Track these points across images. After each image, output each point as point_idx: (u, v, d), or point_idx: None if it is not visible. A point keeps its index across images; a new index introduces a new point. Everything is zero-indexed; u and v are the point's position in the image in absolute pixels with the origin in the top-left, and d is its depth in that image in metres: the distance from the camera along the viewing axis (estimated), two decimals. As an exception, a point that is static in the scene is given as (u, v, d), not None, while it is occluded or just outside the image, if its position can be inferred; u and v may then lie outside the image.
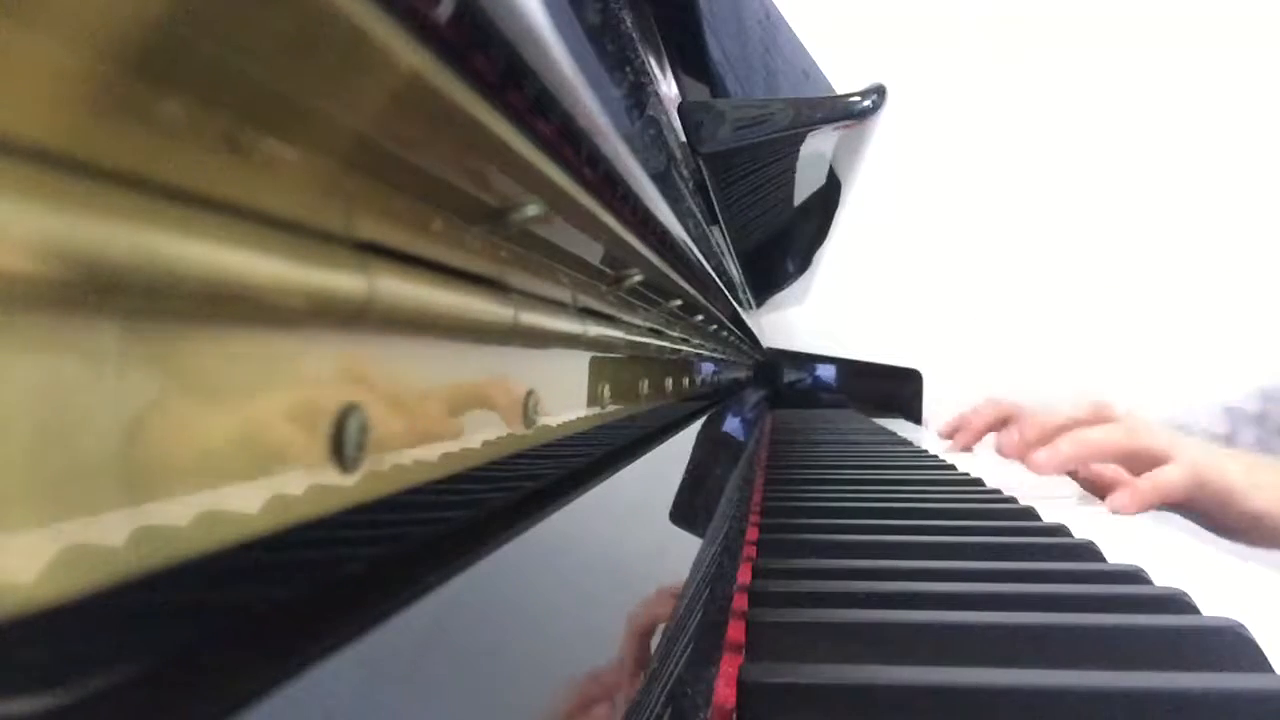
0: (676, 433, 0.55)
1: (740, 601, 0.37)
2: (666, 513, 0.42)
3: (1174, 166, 1.81)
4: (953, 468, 0.83)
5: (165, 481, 0.10)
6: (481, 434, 0.21)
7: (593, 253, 0.29)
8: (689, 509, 0.46)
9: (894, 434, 1.18)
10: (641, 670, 0.24)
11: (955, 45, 1.83)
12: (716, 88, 0.66)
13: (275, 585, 0.14)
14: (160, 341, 0.10)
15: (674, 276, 0.40)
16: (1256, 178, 1.80)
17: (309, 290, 0.12)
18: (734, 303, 0.71)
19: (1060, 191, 1.85)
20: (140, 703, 0.10)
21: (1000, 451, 0.80)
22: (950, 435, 1.11)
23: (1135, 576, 0.42)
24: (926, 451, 0.98)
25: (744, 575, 0.41)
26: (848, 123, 0.71)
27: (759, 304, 1.25)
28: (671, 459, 0.50)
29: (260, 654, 0.12)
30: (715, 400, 0.88)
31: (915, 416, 1.59)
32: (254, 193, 0.11)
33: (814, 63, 0.95)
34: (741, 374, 1.28)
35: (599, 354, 0.34)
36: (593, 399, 0.33)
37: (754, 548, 0.48)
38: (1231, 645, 0.32)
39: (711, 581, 0.36)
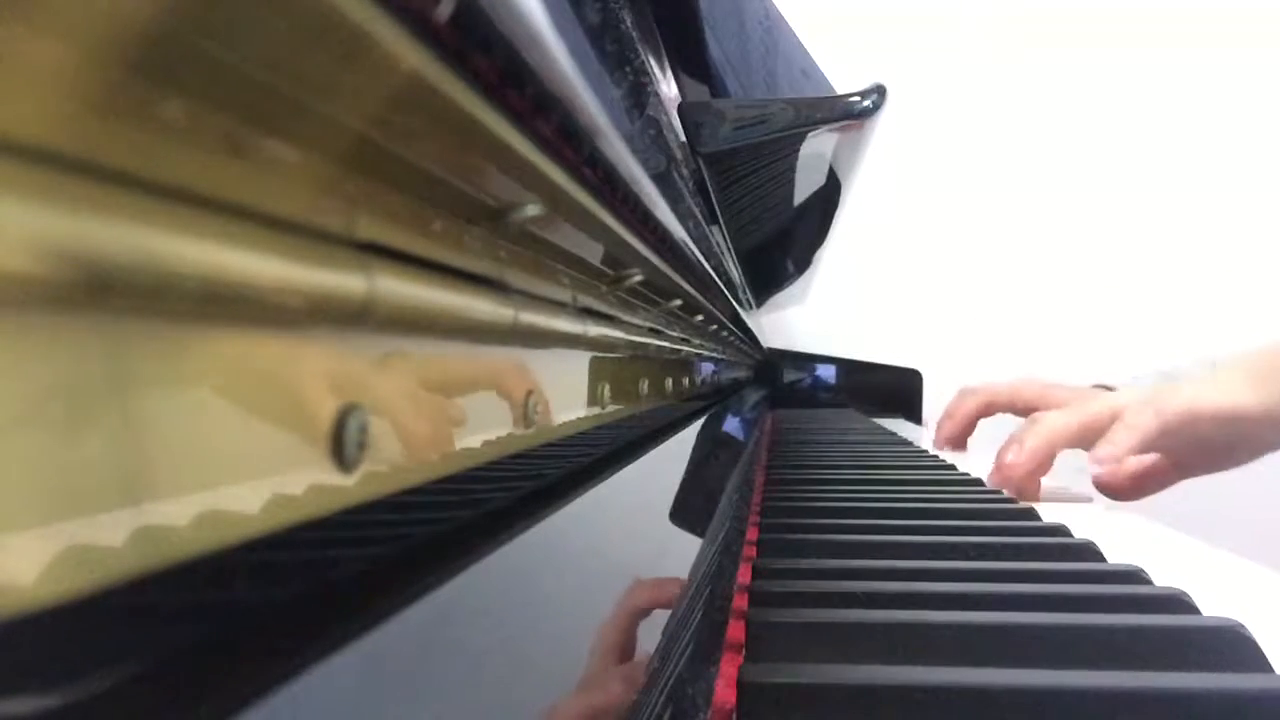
0: (676, 433, 0.55)
1: (740, 601, 0.37)
2: (666, 513, 0.42)
3: (1174, 167, 1.81)
4: (953, 468, 0.83)
5: (165, 481, 0.10)
6: (481, 434, 0.21)
7: (593, 253, 0.29)
8: (689, 509, 0.46)
9: (894, 434, 1.18)
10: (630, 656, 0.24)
11: (955, 45, 1.83)
12: (716, 88, 0.66)
13: (275, 585, 0.14)
14: (160, 342, 0.10)
15: (674, 276, 0.40)
16: (1257, 178, 1.80)
17: (309, 290, 0.12)
18: (734, 303, 0.71)
19: (1060, 191, 1.85)
20: (140, 703, 0.10)
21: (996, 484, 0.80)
22: (946, 443, 1.13)
23: (1135, 576, 0.42)
24: (926, 451, 0.98)
25: (744, 575, 0.41)
26: (848, 123, 0.71)
27: (759, 304, 1.25)
28: (671, 459, 0.50)
29: (260, 654, 0.12)
30: (715, 400, 0.88)
31: (915, 416, 1.59)
32: (254, 193, 0.11)
33: (814, 63, 0.95)
34: (741, 374, 1.28)
35: (599, 354, 0.34)
36: (593, 399, 0.33)
37: (754, 548, 0.48)
38: (1231, 645, 0.32)
39: (711, 581, 0.36)
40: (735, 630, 0.34)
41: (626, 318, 0.37)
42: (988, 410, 1.12)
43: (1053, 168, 1.85)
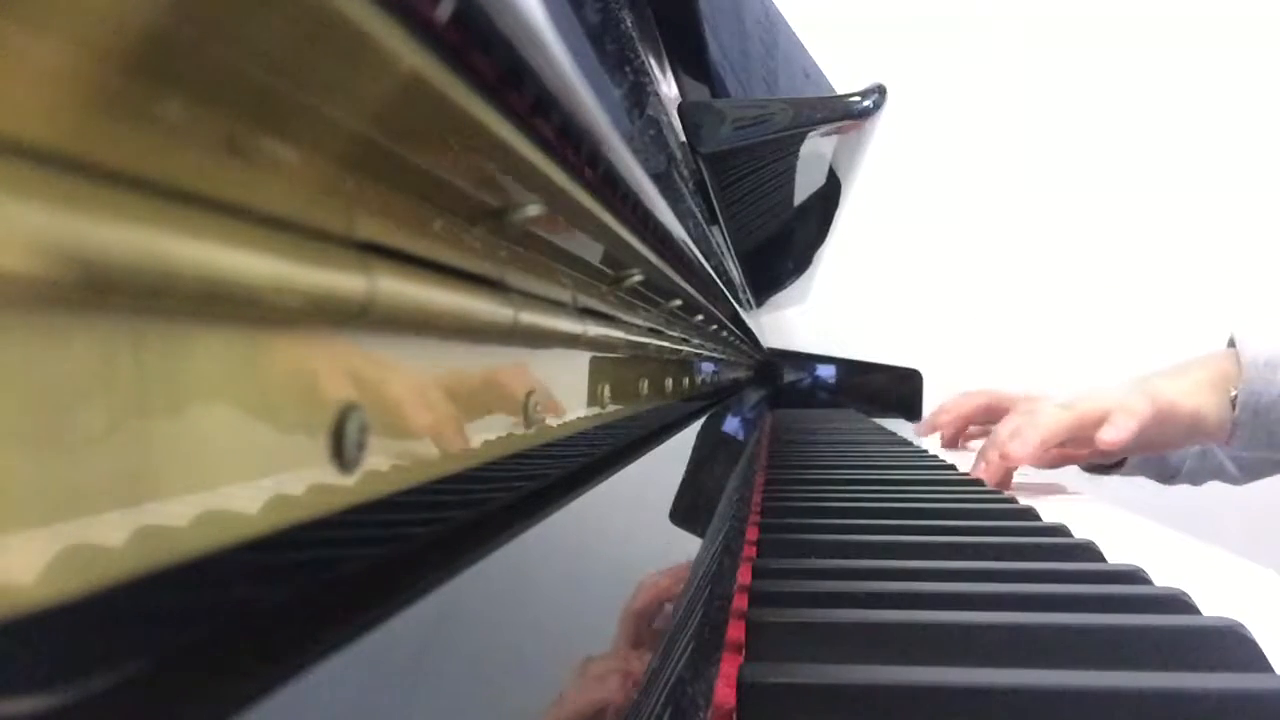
0: (676, 433, 0.55)
1: (740, 601, 0.37)
2: (666, 513, 0.42)
3: (1173, 167, 1.81)
4: (953, 468, 0.83)
5: (165, 481, 0.10)
6: (481, 434, 0.21)
7: (593, 253, 0.29)
8: (689, 509, 0.46)
9: (894, 434, 1.18)
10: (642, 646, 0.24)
11: (955, 45, 1.83)
12: (716, 88, 0.66)
13: (275, 585, 0.14)
14: (160, 341, 0.10)
15: (674, 276, 0.40)
16: (1257, 178, 1.80)
17: (309, 290, 0.12)
18: (734, 303, 0.71)
19: (1060, 191, 1.85)
20: (140, 703, 0.10)
21: (986, 479, 0.84)
22: (931, 431, 1.17)
23: (1135, 576, 0.42)
24: (926, 451, 0.98)
25: (744, 575, 0.41)
26: (847, 123, 0.71)
27: (759, 304, 1.25)
28: (671, 459, 0.50)
29: (260, 654, 0.12)
30: (715, 400, 0.88)
31: (915, 416, 1.59)
32: (254, 193, 0.11)
33: (814, 63, 0.95)
34: (741, 374, 1.28)
35: (599, 354, 0.34)
36: (593, 399, 0.33)
37: (754, 548, 0.48)
38: (1231, 645, 0.32)
39: (711, 581, 0.36)
40: (735, 630, 0.34)
41: (626, 318, 0.37)
42: (987, 413, 1.14)
43: (1053, 168, 1.85)
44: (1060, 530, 0.54)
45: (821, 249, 1.15)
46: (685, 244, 0.37)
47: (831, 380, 1.67)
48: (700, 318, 0.59)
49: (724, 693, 0.28)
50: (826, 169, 0.85)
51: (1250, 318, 0.89)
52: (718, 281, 0.53)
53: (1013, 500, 0.65)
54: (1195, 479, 1.11)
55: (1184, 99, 1.81)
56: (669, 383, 0.54)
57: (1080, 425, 0.83)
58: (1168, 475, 1.10)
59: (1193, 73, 1.80)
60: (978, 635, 0.33)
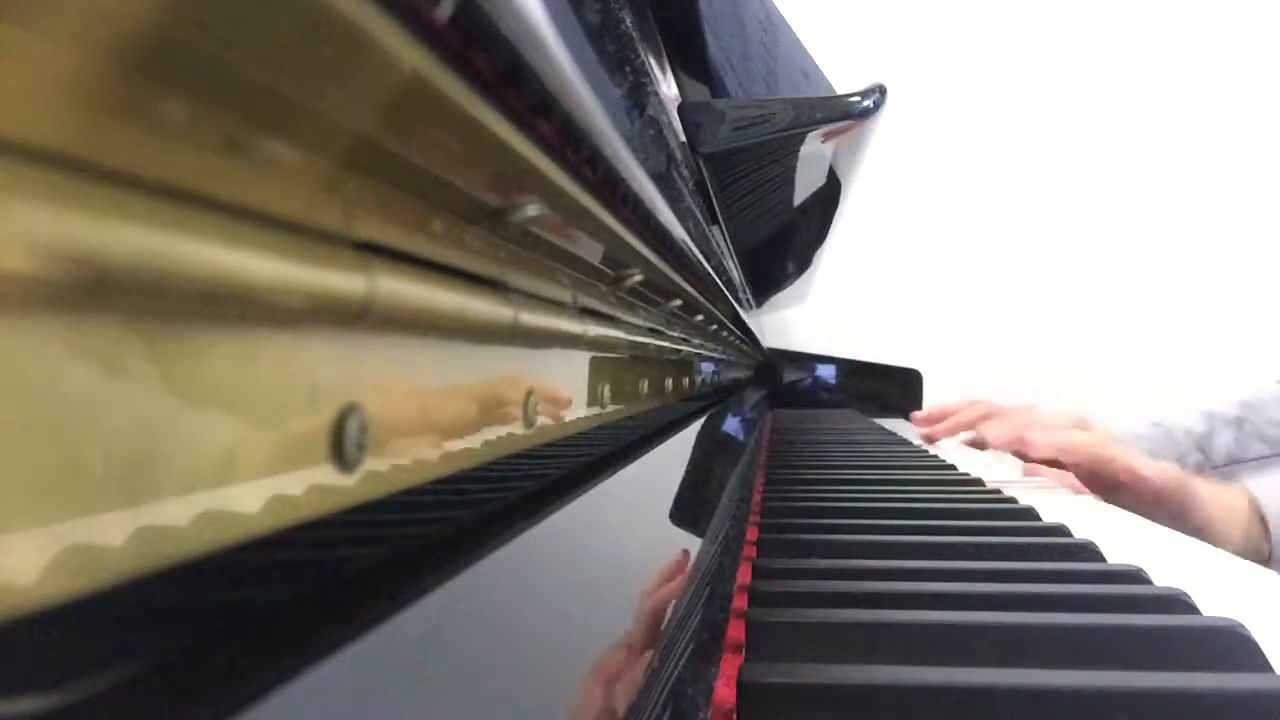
0: (676, 433, 0.55)
1: (740, 601, 0.37)
2: (666, 513, 0.42)
3: (1172, 170, 1.81)
4: (953, 468, 0.83)
5: (165, 481, 0.10)
6: (481, 434, 0.21)
7: (593, 253, 0.29)
8: (689, 509, 0.46)
9: (894, 434, 1.18)
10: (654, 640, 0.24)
11: (955, 45, 1.83)
12: (716, 88, 0.66)
13: (275, 585, 0.14)
14: (160, 341, 0.10)
15: (674, 276, 0.40)
16: (1254, 184, 1.80)
17: (309, 290, 0.12)
18: (734, 303, 0.71)
19: (1059, 192, 1.85)
20: (140, 703, 0.10)
21: (990, 440, 0.85)
22: (927, 423, 1.16)
23: (1135, 576, 0.42)
24: (926, 451, 0.98)
25: (744, 575, 0.41)
26: (847, 123, 0.71)
27: (759, 304, 1.25)
28: (671, 459, 0.50)
29: (260, 654, 0.12)
30: (715, 400, 0.88)
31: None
32: (254, 193, 0.11)
33: (814, 63, 0.95)
34: (741, 374, 1.28)
35: (599, 354, 0.34)
36: (593, 399, 0.33)
37: (754, 548, 0.48)
38: (1231, 645, 0.32)
39: (711, 581, 0.36)
40: (735, 630, 0.34)
41: (626, 318, 0.37)
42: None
43: (1054, 168, 1.84)
44: (1060, 530, 0.54)
45: (821, 249, 1.15)
46: (685, 244, 0.37)
47: (832, 380, 1.68)
48: (700, 318, 0.59)
49: (724, 693, 0.28)
50: (826, 169, 0.85)
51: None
52: (718, 281, 0.53)
53: (1013, 500, 0.65)
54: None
55: (1185, 104, 1.81)
56: (669, 383, 0.54)
57: (1101, 459, 0.83)
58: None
59: (1194, 78, 1.80)
60: (978, 635, 0.33)
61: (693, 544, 0.40)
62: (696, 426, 0.63)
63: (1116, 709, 0.28)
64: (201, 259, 0.10)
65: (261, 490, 0.12)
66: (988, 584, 0.40)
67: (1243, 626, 0.33)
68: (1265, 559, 0.86)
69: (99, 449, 0.09)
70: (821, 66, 0.96)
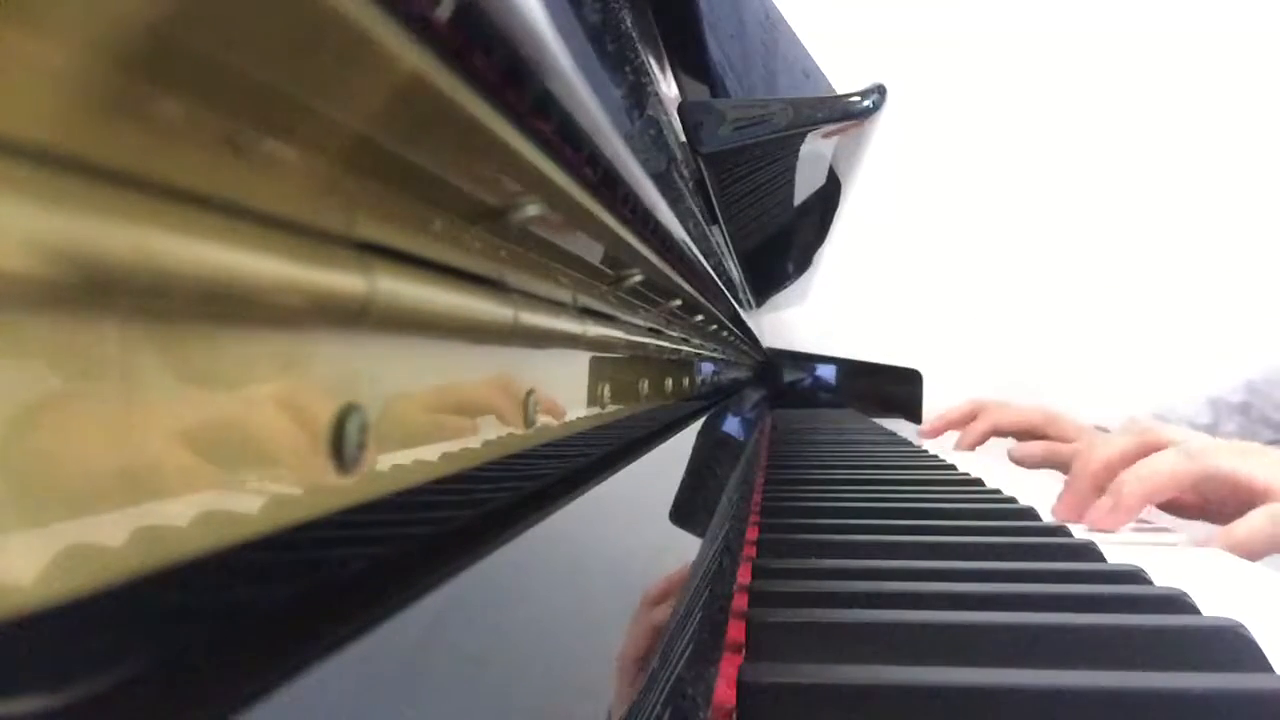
0: (676, 433, 0.55)
1: (740, 601, 0.37)
2: (666, 513, 0.42)
3: (1171, 168, 1.81)
4: (953, 468, 0.83)
5: (165, 481, 0.10)
6: (481, 434, 0.21)
7: (593, 253, 0.29)
8: (689, 509, 0.46)
9: (894, 434, 1.18)
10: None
11: (955, 45, 1.82)
12: (716, 88, 0.66)
13: (275, 585, 0.14)
14: (160, 341, 0.10)
15: (674, 276, 0.40)
16: (1251, 181, 1.80)
17: (309, 290, 0.12)
18: (734, 303, 0.71)
19: (1059, 191, 1.85)
20: (140, 703, 0.10)
21: (1057, 513, 0.68)
22: (935, 434, 1.16)
23: (1135, 576, 0.42)
24: (926, 451, 0.98)
25: (744, 575, 0.41)
26: (847, 123, 0.71)
27: (759, 304, 1.25)
28: (671, 459, 0.50)
29: (260, 654, 0.12)
30: (715, 400, 0.88)
31: (915, 416, 1.59)
32: (254, 193, 0.11)
33: (814, 63, 0.95)
34: (741, 374, 1.28)
35: (599, 354, 0.34)
36: (593, 399, 0.33)
37: (754, 548, 0.48)
38: (1231, 645, 0.32)
39: (711, 581, 0.36)
40: (735, 630, 0.34)
41: (626, 318, 0.37)
42: (995, 433, 1.13)
43: (1055, 168, 1.84)
44: (1060, 530, 0.54)
45: (821, 249, 1.15)
46: (685, 244, 0.37)
47: (832, 380, 1.67)
48: (700, 318, 0.59)
49: (724, 693, 0.28)
50: (826, 169, 0.85)
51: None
52: (718, 281, 0.53)
53: (1013, 500, 0.65)
54: None
55: (1184, 102, 1.81)
56: (669, 383, 0.54)
57: (1198, 483, 0.66)
58: None
59: (1193, 75, 1.80)
60: (978, 635, 0.33)
61: (693, 544, 0.40)
62: (696, 426, 0.63)
63: (1117, 709, 0.28)
64: (201, 259, 0.10)
65: (261, 490, 0.12)
66: (988, 584, 0.40)
67: (1243, 626, 0.33)
68: None
69: (99, 449, 0.09)
70: (821, 66, 0.96)
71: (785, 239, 1.05)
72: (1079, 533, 0.53)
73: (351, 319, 0.14)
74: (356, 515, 0.15)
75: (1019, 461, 1.03)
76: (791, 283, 1.25)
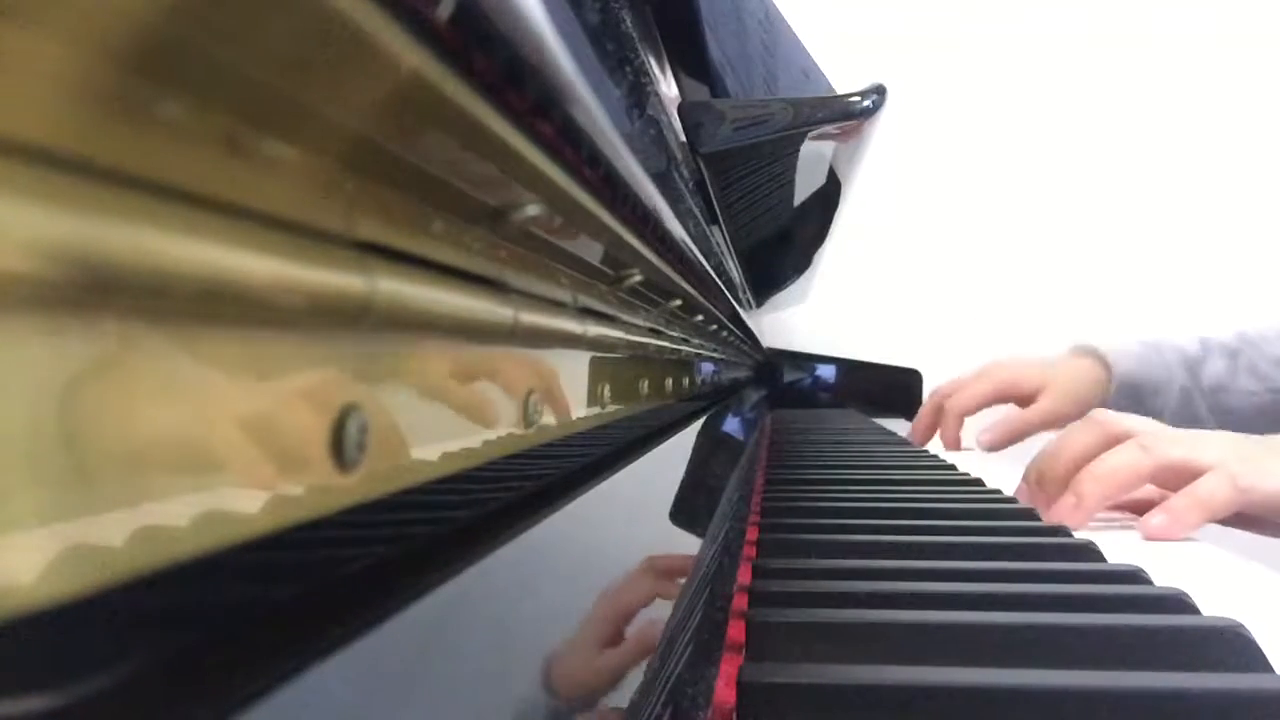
0: (676, 433, 0.55)
1: (740, 601, 0.37)
2: (666, 513, 0.42)
3: (1171, 169, 1.81)
4: (953, 468, 0.83)
5: (165, 481, 0.10)
6: (481, 434, 0.21)
7: (593, 253, 0.29)
8: (689, 509, 0.46)
9: (894, 434, 1.18)
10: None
11: (955, 46, 1.83)
12: (716, 88, 0.66)
13: (275, 585, 0.14)
14: (160, 341, 0.10)
15: (674, 276, 0.40)
16: (1252, 181, 1.80)
17: (309, 290, 0.12)
18: (734, 303, 0.71)
19: (1059, 192, 1.85)
20: (140, 703, 0.10)
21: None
22: (923, 443, 1.18)
23: (1135, 576, 0.42)
24: (926, 451, 0.98)
25: (744, 575, 0.41)
26: (847, 123, 0.71)
27: (759, 304, 1.25)
28: (671, 459, 0.50)
29: (260, 654, 0.12)
30: (715, 400, 0.88)
31: (915, 416, 1.59)
32: (254, 193, 0.11)
33: (814, 63, 0.95)
34: (741, 374, 1.28)
35: (599, 354, 0.34)
36: (593, 399, 0.33)
37: (754, 548, 0.48)
38: (1231, 645, 0.32)
39: (711, 581, 0.36)
40: (735, 630, 0.34)
41: (626, 318, 0.37)
42: (970, 413, 1.15)
43: (1055, 169, 1.84)
44: (1060, 530, 0.54)
45: (821, 249, 1.15)
46: (685, 244, 0.37)
47: (831, 380, 1.67)
48: (700, 318, 0.59)
49: (724, 693, 0.28)
50: (826, 169, 0.85)
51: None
52: (717, 281, 0.53)
53: (1013, 500, 0.65)
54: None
55: (1184, 102, 1.81)
56: (669, 383, 0.54)
57: (1154, 475, 0.67)
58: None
59: (1193, 76, 1.80)
60: (978, 635, 0.33)
61: (693, 544, 0.40)
62: (696, 426, 0.63)
63: (1117, 709, 0.28)
64: (202, 259, 0.10)
65: (261, 490, 0.12)
66: (988, 584, 0.40)
67: (1243, 626, 0.33)
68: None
69: (99, 449, 0.09)
70: (821, 66, 0.96)
71: (785, 239, 1.05)
72: (1079, 532, 0.53)
73: (352, 319, 0.14)
74: (357, 515, 0.15)
75: (991, 450, 1.11)
76: (791, 283, 1.25)
